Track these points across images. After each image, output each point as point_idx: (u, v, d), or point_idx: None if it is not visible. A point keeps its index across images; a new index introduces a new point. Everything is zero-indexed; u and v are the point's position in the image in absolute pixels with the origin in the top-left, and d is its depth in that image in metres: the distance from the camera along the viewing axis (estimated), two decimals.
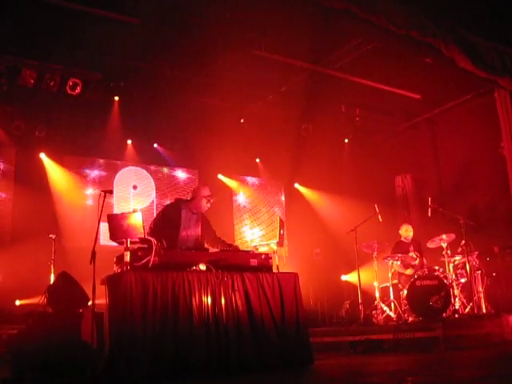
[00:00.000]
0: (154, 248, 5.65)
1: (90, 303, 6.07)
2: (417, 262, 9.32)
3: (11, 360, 5.82)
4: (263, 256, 6.41)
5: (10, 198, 10.75)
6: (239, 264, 6.18)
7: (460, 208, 10.33)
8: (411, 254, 9.36)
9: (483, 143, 10.92)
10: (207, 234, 6.86)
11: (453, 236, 9.04)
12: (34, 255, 8.90)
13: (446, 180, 12.32)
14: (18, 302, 9.09)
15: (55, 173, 11.27)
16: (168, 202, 7.63)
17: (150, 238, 5.88)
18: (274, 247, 6.74)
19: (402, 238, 9.80)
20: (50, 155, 11.28)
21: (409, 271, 9.22)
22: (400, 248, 9.55)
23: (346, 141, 13.65)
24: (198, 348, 5.39)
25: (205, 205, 6.86)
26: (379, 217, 9.41)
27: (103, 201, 6.05)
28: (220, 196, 13.21)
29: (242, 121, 12.40)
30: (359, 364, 6.38)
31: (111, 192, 6.37)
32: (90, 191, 11.61)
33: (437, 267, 8.92)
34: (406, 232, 9.80)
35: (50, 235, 8.18)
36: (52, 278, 7.61)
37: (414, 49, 8.92)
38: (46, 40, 8.86)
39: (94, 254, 5.76)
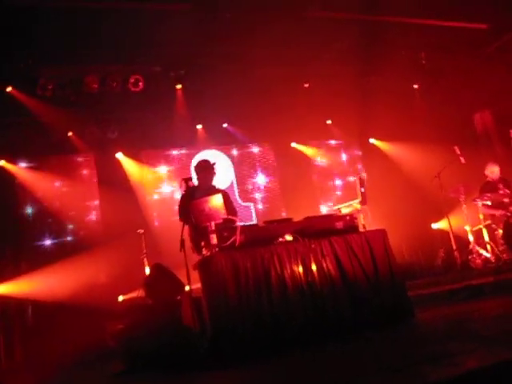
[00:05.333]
0: (239, 227, 5.71)
1: (186, 289, 6.23)
2: (507, 200, 8.88)
3: (122, 353, 6.09)
4: (348, 217, 6.36)
5: (96, 202, 11.16)
6: (325, 229, 6.17)
7: None
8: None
9: None
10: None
11: None
12: (127, 252, 9.23)
13: None
14: (120, 298, 9.48)
15: (134, 169, 11.58)
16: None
17: (233, 217, 5.96)
18: (358, 206, 6.64)
19: (489, 178, 9.39)
20: (127, 153, 11.58)
21: (500, 212, 8.79)
22: (488, 188, 9.16)
23: (416, 86, 13.19)
24: (295, 315, 5.45)
25: (202, 180, 6.95)
26: (461, 159, 9.09)
27: (185, 189, 6.17)
28: (296, 164, 13.23)
29: (306, 85, 12.23)
30: (461, 312, 6.22)
31: (191, 179, 6.48)
32: (170, 181, 11.83)
33: None
34: (492, 171, 9.36)
35: (139, 230, 8.46)
36: (147, 271, 7.87)
37: None
38: (100, 43, 9.05)
39: (182, 241, 5.90)
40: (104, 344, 7.89)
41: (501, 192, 8.96)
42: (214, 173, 7.07)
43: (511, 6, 10.10)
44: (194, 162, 12.17)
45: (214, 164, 7.05)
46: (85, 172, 11.30)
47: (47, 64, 9.62)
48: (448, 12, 10.24)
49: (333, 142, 13.93)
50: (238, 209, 8.05)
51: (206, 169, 7.00)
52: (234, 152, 12.87)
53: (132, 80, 10.08)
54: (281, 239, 5.93)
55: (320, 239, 5.95)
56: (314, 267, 5.77)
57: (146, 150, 11.98)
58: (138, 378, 5.62)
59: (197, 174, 7.05)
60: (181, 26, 9.09)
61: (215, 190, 7.12)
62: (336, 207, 6.93)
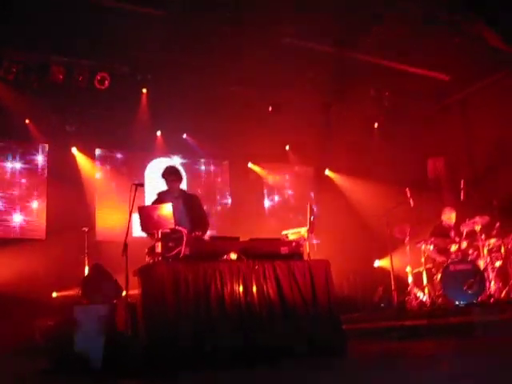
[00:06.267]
0: (185, 239, 5.69)
1: (123, 294, 6.15)
2: (454, 248, 8.97)
3: (49, 351, 5.95)
4: (294, 244, 6.39)
5: (43, 193, 10.94)
6: (270, 252, 6.18)
7: (494, 189, 10.14)
8: (453, 237, 9.05)
9: None
10: (190, 215, 6.81)
11: (487, 218, 8.82)
12: (68, 248, 9.06)
13: (479, 161, 12.10)
14: (54, 294, 9.27)
15: (87, 166, 11.43)
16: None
17: (180, 228, 5.92)
18: (305, 234, 6.69)
19: (444, 223, 9.46)
20: (82, 149, 11.43)
21: (441, 258, 8.96)
22: (440, 231, 9.29)
23: (376, 125, 13.50)
24: (233, 330, 5.44)
25: (170, 186, 6.91)
26: (411, 201, 9.29)
27: (134, 194, 6.10)
28: (250, 184, 13.29)
29: (270, 109, 12.35)
30: (393, 350, 6.33)
31: (142, 185, 6.41)
32: (122, 184, 11.67)
33: (471, 251, 8.76)
34: (449, 217, 9.42)
35: (83, 228, 8.33)
36: (86, 271, 7.75)
37: (443, 28, 8.78)
38: (73, 36, 8.96)
39: (125, 245, 5.83)
40: (31, 338, 7.69)
41: (449, 239, 9.05)
42: (182, 178, 7.08)
43: (476, 61, 10.48)
44: (153, 167, 12.12)
45: (180, 170, 7.09)
46: (36, 161, 11.07)
47: (13, 45, 9.43)
48: (415, 59, 10.57)
49: (289, 167, 14.05)
50: None
51: (174, 174, 6.98)
52: (189, 163, 12.81)
53: (98, 77, 10.01)
54: (225, 257, 5.92)
55: (264, 262, 5.96)
56: (254, 288, 5.77)
57: (102, 148, 11.84)
58: (61, 377, 5.49)
59: (166, 179, 6.98)
60: (155, 31, 9.10)
61: (186, 195, 7.08)
62: (284, 232, 6.96)
